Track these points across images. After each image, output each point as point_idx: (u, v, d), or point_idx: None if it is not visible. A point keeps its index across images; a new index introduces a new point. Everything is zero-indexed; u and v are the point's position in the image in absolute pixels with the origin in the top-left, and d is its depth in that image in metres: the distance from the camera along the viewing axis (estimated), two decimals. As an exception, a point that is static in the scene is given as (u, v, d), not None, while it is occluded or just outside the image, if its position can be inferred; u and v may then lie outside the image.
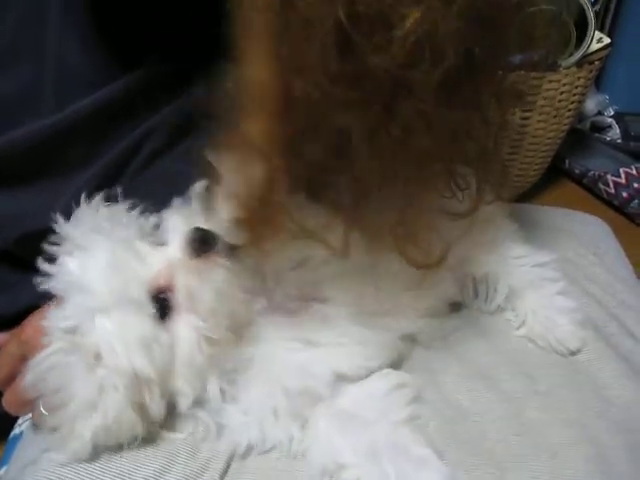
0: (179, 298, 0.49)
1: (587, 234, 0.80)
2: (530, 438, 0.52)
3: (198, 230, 0.50)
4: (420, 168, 0.44)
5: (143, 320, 0.47)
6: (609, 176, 1.14)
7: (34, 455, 0.51)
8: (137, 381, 0.47)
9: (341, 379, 0.53)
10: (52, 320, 0.48)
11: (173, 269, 0.49)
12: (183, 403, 0.50)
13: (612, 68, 1.31)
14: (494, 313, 0.66)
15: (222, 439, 0.52)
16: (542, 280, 0.65)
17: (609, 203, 1.16)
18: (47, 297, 0.50)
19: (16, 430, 0.61)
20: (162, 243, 0.51)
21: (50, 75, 0.56)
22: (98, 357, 0.47)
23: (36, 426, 0.56)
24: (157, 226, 0.52)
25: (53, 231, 0.50)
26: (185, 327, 0.48)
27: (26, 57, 0.56)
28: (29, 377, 0.47)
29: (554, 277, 0.66)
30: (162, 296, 0.49)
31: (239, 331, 0.51)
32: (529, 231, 0.70)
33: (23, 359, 0.53)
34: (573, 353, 0.62)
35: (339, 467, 0.49)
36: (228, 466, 0.51)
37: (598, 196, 1.18)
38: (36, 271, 0.57)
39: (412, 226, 0.46)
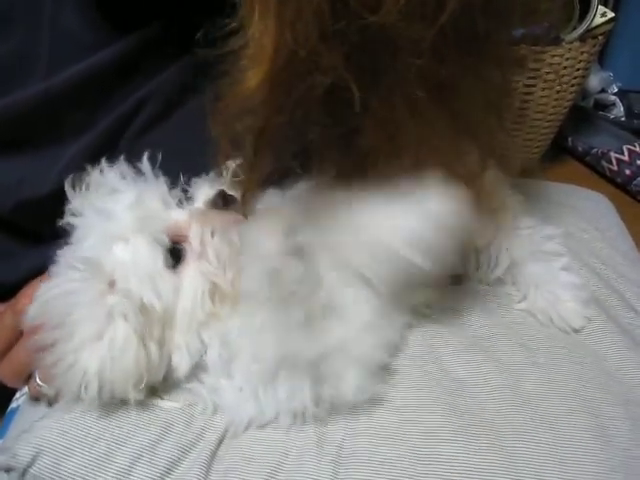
0: (193, 243, 0.51)
1: (589, 209, 0.80)
2: (529, 409, 0.52)
3: (221, 191, 0.54)
4: (424, 132, 0.44)
5: (157, 255, 0.49)
6: (612, 154, 1.13)
7: (29, 425, 0.51)
8: (144, 312, 0.47)
9: None
10: (68, 252, 0.50)
11: (192, 218, 0.52)
12: (181, 365, 0.50)
13: (616, 45, 1.29)
14: (494, 286, 0.66)
15: (219, 416, 0.52)
16: (546, 254, 0.64)
17: (612, 181, 1.16)
18: (46, 267, 0.50)
19: (13, 404, 0.60)
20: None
21: (45, 38, 0.55)
22: (112, 284, 0.48)
23: (32, 398, 0.56)
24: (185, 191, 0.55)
25: (50, 198, 0.50)
26: (193, 274, 0.50)
27: (22, 20, 0.55)
28: (34, 306, 0.48)
29: (559, 251, 0.65)
30: (177, 246, 0.51)
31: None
32: (531, 205, 0.69)
33: (18, 330, 0.53)
34: (576, 331, 0.61)
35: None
36: (223, 436, 0.51)
37: (601, 174, 1.18)
38: (36, 240, 0.57)
39: None
